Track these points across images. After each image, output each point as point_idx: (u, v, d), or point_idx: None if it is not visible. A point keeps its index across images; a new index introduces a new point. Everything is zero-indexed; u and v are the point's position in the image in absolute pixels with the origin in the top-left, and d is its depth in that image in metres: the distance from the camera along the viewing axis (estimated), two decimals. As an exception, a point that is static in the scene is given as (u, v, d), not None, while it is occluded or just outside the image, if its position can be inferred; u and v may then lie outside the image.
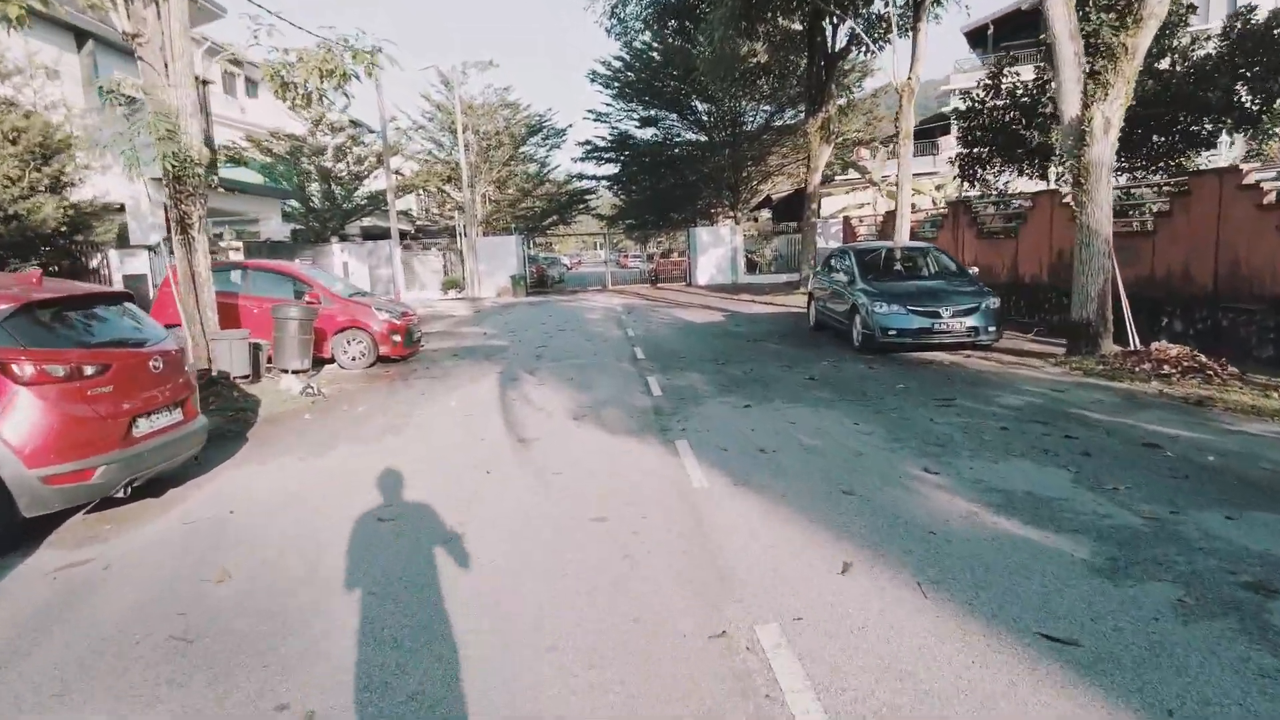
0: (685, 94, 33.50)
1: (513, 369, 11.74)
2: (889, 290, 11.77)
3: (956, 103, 39.49)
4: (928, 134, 42.04)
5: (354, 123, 33.19)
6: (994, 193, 19.34)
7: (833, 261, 14.26)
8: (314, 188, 32.68)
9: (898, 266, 13.30)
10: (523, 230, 39.73)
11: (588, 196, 43.47)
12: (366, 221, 39.56)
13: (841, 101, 22.88)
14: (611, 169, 39.03)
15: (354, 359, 12.69)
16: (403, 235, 41.85)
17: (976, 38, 41.56)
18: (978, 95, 17.08)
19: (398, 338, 12.86)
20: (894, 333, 11.27)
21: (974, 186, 18.78)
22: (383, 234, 39.63)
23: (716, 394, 9.07)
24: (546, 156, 45.79)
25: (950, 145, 38.00)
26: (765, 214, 44.89)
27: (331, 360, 12.78)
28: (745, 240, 32.46)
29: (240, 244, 18.92)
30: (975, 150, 17.64)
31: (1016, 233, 16.81)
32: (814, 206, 23.32)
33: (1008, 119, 16.64)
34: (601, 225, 47.29)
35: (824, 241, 31.61)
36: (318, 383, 10.88)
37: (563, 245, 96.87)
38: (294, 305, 11.48)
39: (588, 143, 35.73)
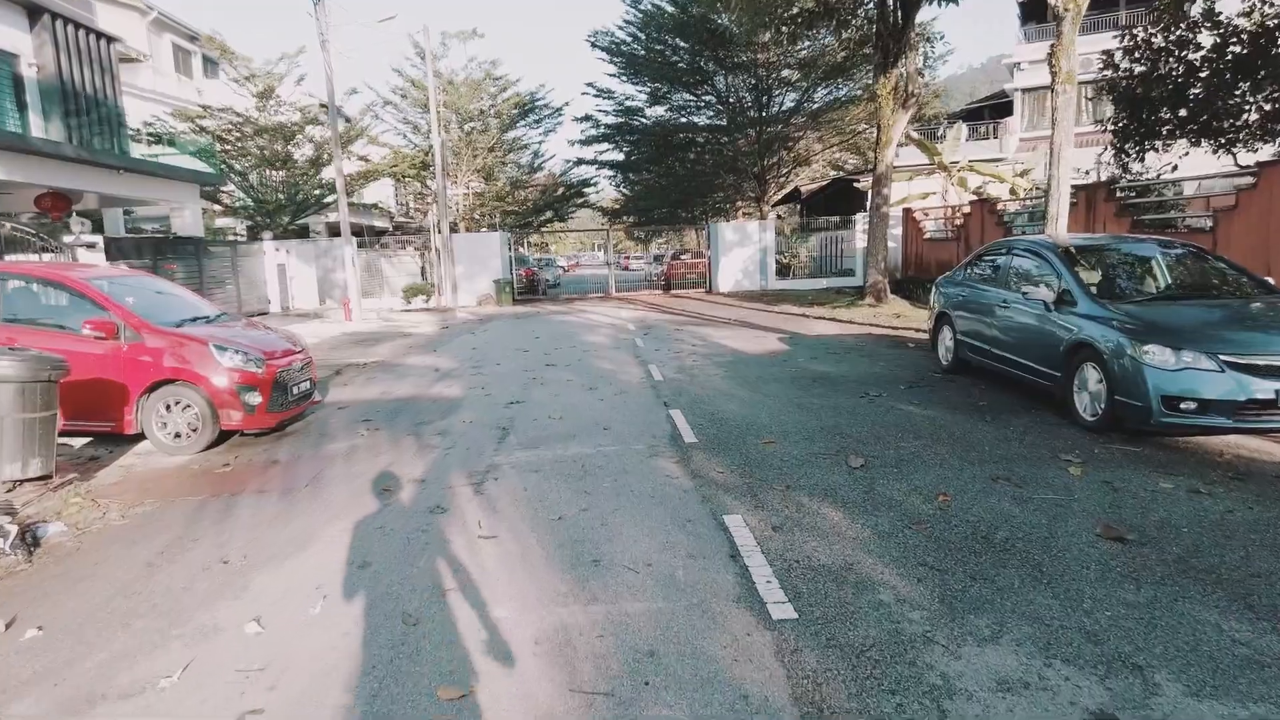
0: (704, 66, 27.97)
1: (443, 475, 6.11)
2: (1167, 323, 6.26)
3: (1023, 79, 34.17)
4: (976, 114, 36.63)
5: (324, 106, 27.78)
6: (1146, 172, 13.93)
7: (996, 264, 8.77)
8: (256, 176, 27.14)
9: (1149, 278, 7.73)
10: (513, 227, 34.21)
11: (587, 188, 37.90)
12: (334, 217, 34.12)
13: (918, 62, 17.41)
14: (615, 155, 33.44)
15: (177, 436, 7.17)
16: (379, 232, 36.56)
17: (1031, 9, 36.01)
18: (1138, 55, 12.12)
19: (254, 397, 7.28)
20: (1193, 406, 5.76)
21: (1136, 162, 13.41)
22: (360, 231, 34.30)
23: (942, 619, 3.56)
24: (541, 142, 40.41)
25: (1016, 127, 32.65)
26: (785, 210, 39.48)
27: (142, 437, 7.28)
28: (776, 238, 27.00)
29: (97, 238, 13.43)
30: (1141, 119, 12.46)
31: (1214, 225, 11.42)
32: (884, 192, 17.85)
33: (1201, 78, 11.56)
34: (603, 221, 41.69)
35: (866, 240, 26.23)
36: (57, 509, 5.39)
37: (559, 245, 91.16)
38: (9, 355, 5.87)
39: (587, 118, 30.07)
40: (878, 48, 17.49)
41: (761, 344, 12.96)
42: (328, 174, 27.96)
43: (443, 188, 24.79)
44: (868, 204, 18.41)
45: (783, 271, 27.19)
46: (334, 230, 32.49)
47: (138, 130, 27.12)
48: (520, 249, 39.03)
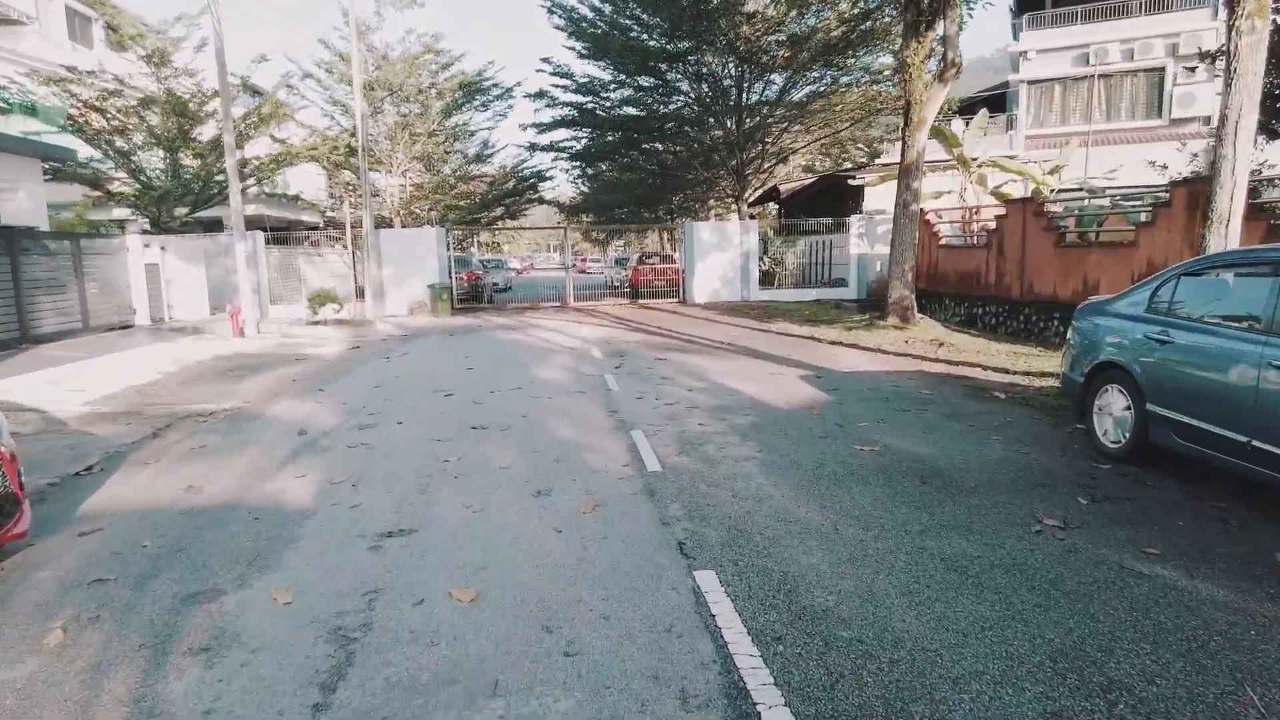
0: (678, 44, 24.20)
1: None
2: None
3: (1030, 70, 31.15)
4: (969, 109, 33.52)
5: (249, 87, 23.25)
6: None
7: (1246, 292, 5.14)
8: (152, 159, 22.55)
9: None
10: (457, 223, 30.01)
11: (542, 182, 33.85)
12: (251, 209, 29.51)
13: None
14: (574, 143, 29.35)
15: None
16: (310, 227, 32.07)
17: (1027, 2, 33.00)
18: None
19: None
20: None
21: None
22: (286, 226, 29.69)
23: None
24: (490, 128, 36.23)
25: (1022, 123, 29.61)
26: (759, 211, 36.07)
27: None
28: (759, 242, 23.37)
29: None
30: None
31: None
32: (914, 186, 14.30)
33: None
34: (560, 219, 37.77)
35: (864, 246, 22.81)
36: None
37: (513, 246, 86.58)
38: None
39: (542, 94, 25.86)
40: (909, 5, 13.92)
41: (785, 388, 9.21)
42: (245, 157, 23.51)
43: (364, 168, 20.63)
44: (895, 200, 14.81)
45: (765, 280, 23.62)
46: (265, 224, 28.00)
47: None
48: (467, 249, 34.90)
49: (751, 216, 28.73)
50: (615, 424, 7.48)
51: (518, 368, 11.40)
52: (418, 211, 31.43)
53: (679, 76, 25.28)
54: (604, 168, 36.02)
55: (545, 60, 25.50)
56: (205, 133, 23.21)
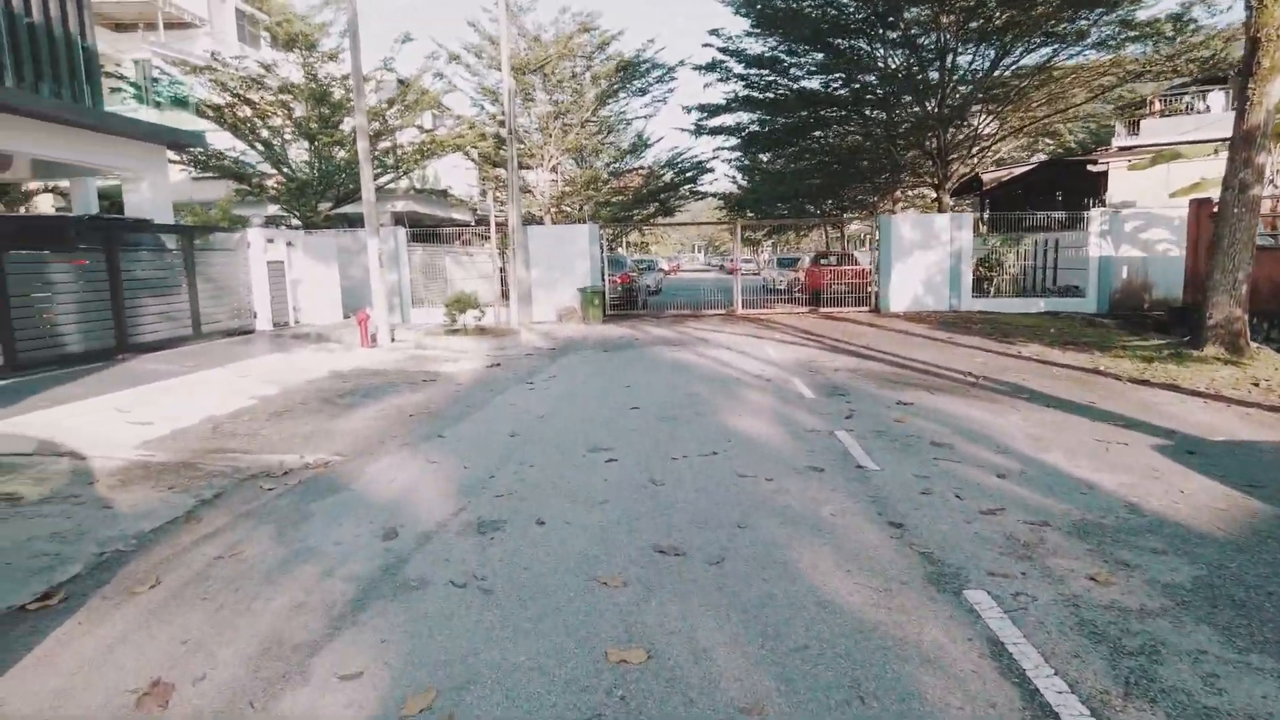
0: (877, 8, 20.30)
1: None
2: None
3: None
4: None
5: (389, 69, 21.60)
6: None
7: None
8: (292, 148, 21.27)
9: None
10: (608, 221, 27.45)
11: (701, 174, 30.72)
12: (400, 205, 28.27)
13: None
14: (747, 124, 25.87)
15: None
16: (460, 225, 30.62)
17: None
18: None
19: None
20: None
21: None
22: (436, 224, 28.26)
23: None
24: (648, 116, 33.52)
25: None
26: (956, 204, 31.42)
27: None
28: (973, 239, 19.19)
29: None
30: None
31: None
32: (1257, 161, 10.03)
33: None
34: (722, 213, 34.47)
35: (1107, 247, 18.07)
36: None
37: (661, 245, 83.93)
38: None
39: (714, 65, 22.52)
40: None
41: (1157, 474, 5.52)
42: (387, 152, 21.87)
43: (512, 155, 18.17)
44: (1225, 182, 10.53)
45: (980, 286, 19.44)
46: (404, 220, 26.62)
47: (136, 84, 21.81)
48: (614, 249, 32.43)
49: (955, 209, 24.44)
50: (917, 565, 4.12)
51: (700, 409, 8.26)
52: (567, 209, 29.18)
53: (872, 44, 21.37)
54: (765, 159, 32.51)
55: (714, 33, 22.27)
56: (350, 123, 21.73)
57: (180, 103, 21.46)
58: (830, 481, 5.56)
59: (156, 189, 13.79)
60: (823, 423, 7.42)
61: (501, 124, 23.67)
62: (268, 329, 14.42)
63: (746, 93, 23.18)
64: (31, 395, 8.48)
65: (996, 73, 20.52)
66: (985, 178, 25.90)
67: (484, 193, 36.32)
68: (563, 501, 5.25)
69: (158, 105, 22.69)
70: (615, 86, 26.85)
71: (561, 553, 4.34)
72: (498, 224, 21.95)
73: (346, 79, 20.99)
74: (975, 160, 22.97)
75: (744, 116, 25.21)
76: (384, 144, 21.67)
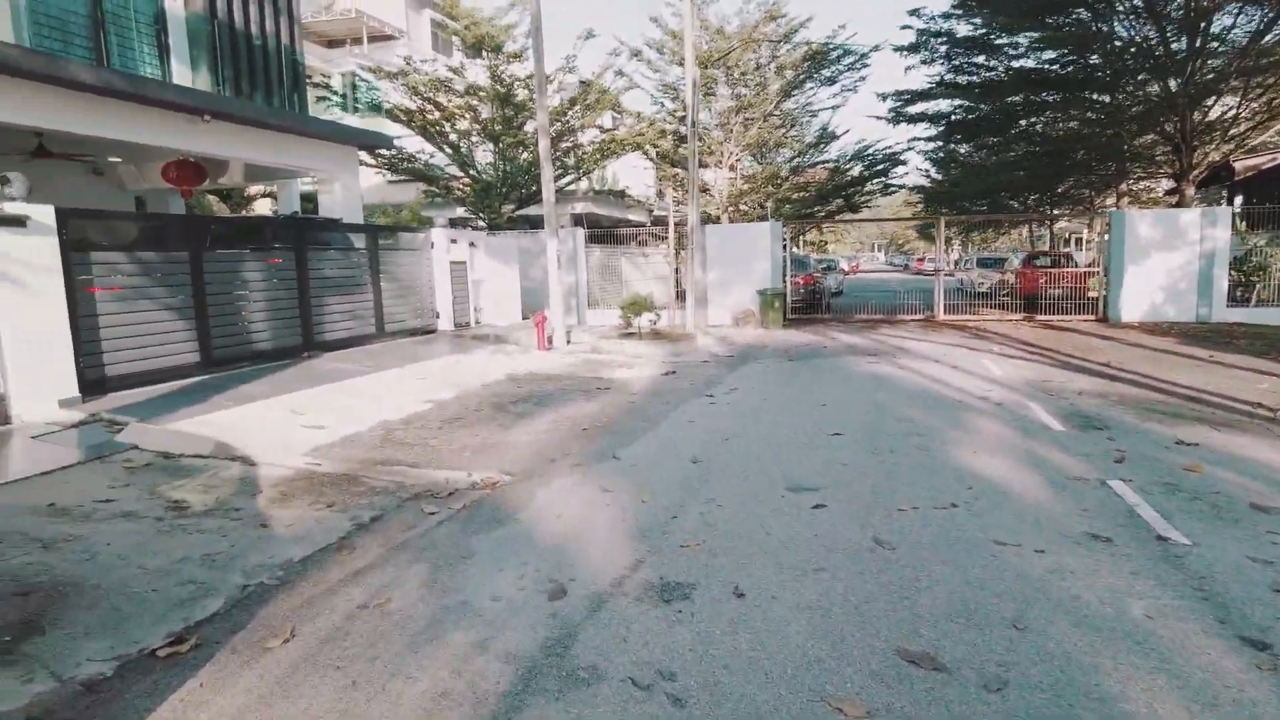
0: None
1: None
2: None
3: None
4: None
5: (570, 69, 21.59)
6: None
7: None
8: (478, 150, 21.60)
9: None
10: (790, 218, 26.04)
11: (894, 166, 28.52)
12: (580, 206, 28.34)
13: None
14: (944, 110, 23.58)
15: None
16: (636, 226, 30.48)
17: None
18: None
19: None
20: None
21: None
22: (613, 225, 28.19)
23: None
24: (835, 105, 31.66)
25: None
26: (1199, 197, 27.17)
27: None
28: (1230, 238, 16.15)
29: (38, 208, 7.27)
30: None
31: None
32: None
33: None
34: (917, 207, 32.00)
35: None
36: None
37: (839, 244, 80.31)
38: None
39: (918, 46, 20.51)
40: None
41: None
42: (569, 152, 21.78)
43: (694, 149, 17.30)
44: None
45: (1237, 292, 16.39)
46: (582, 221, 26.63)
47: (339, 93, 22.89)
48: (793, 247, 30.87)
49: (1200, 203, 21.01)
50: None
51: (920, 439, 6.92)
52: (744, 207, 28.03)
53: (1100, 16, 18.61)
54: (964, 151, 29.74)
55: (914, 13, 20.30)
56: (533, 125, 21.78)
57: (375, 108, 22.39)
58: (1126, 560, 4.13)
59: (348, 190, 14.11)
60: (1087, 467, 5.89)
61: (682, 119, 23.00)
62: (449, 329, 14.42)
63: (952, 76, 20.97)
64: (219, 393, 8.54)
65: (1267, 38, 17.20)
66: (1238, 166, 22.08)
67: (660, 193, 35.95)
68: (764, 563, 4.20)
69: (356, 111, 23.88)
70: (802, 77, 25.38)
71: (772, 647, 3.29)
72: (674, 223, 21.30)
73: (530, 79, 21.04)
74: (1230, 147, 19.51)
75: (944, 104, 22.98)
76: (564, 144, 21.54)
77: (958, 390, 9.27)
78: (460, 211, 24.50)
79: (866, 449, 6.60)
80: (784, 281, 18.51)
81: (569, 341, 14.50)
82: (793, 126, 28.91)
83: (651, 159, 26.71)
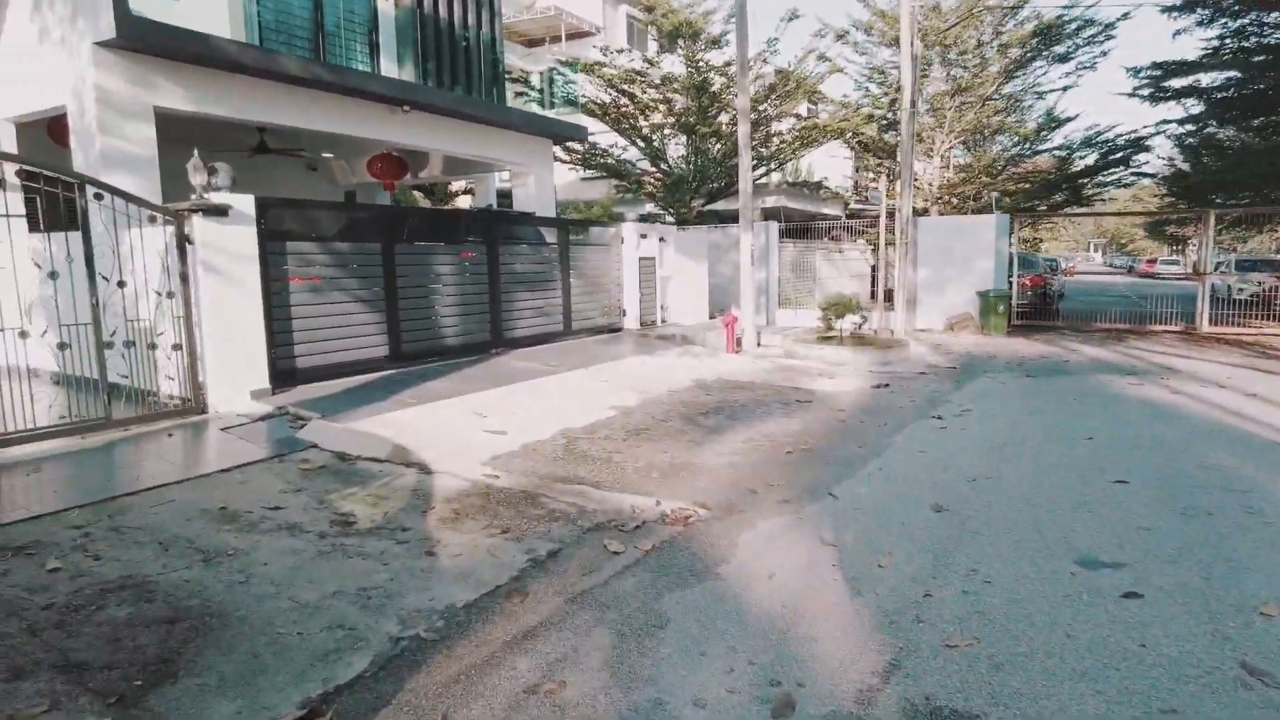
0: None
1: None
2: None
3: None
4: None
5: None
6: None
7: None
8: (670, 143, 20.95)
9: None
10: (1018, 210, 23.36)
11: (1138, 152, 24.84)
12: (771, 201, 27.12)
13: None
14: (1206, 88, 20.02)
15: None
16: (829, 220, 28.92)
17: None
18: None
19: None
20: None
21: None
22: (806, 219, 26.81)
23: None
24: (1067, 85, 28.27)
25: None
26: None
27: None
28: None
29: (241, 197, 7.16)
30: None
31: None
32: None
33: None
34: (1159, 199, 28.05)
35: None
36: None
37: (1054, 243, 72.84)
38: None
39: (1188, 5, 17.29)
40: None
41: None
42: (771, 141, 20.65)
43: (910, 133, 15.57)
44: None
45: None
46: (776, 215, 25.39)
47: (536, 89, 22.98)
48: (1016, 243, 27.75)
49: None
50: None
51: (1237, 499, 5.22)
52: (955, 201, 25.52)
53: None
54: (1225, 135, 25.36)
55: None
56: (727, 117, 20.80)
57: (571, 103, 22.37)
58: None
59: (541, 184, 13.81)
60: None
61: (893, 103, 21.18)
62: (634, 328, 13.77)
63: (1234, 42, 17.66)
64: (404, 389, 8.25)
65: None
66: None
67: (856, 185, 33.85)
68: (1077, 689, 2.92)
69: (553, 106, 24.01)
70: (1029, 55, 22.58)
71: None
72: (873, 218, 19.61)
73: (727, 66, 20.07)
74: None
75: (1211, 76, 19.51)
76: (758, 134, 20.40)
77: (1268, 427, 7.24)
78: (649, 208, 24.05)
79: (1169, 507, 5.02)
80: (1011, 281, 16.32)
81: (759, 344, 13.41)
82: (1014, 111, 25.97)
83: (852, 148, 24.94)
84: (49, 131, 9.40)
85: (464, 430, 7.05)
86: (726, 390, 9.42)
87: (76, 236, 6.35)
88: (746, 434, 7.18)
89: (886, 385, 9.83)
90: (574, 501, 5.25)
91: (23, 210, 7.56)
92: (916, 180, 24.51)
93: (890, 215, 16.76)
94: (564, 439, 6.95)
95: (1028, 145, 26.49)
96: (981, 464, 6.11)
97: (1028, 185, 26.23)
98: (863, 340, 13.73)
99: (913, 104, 15.43)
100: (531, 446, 6.68)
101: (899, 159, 15.83)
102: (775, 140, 20.29)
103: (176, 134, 9.50)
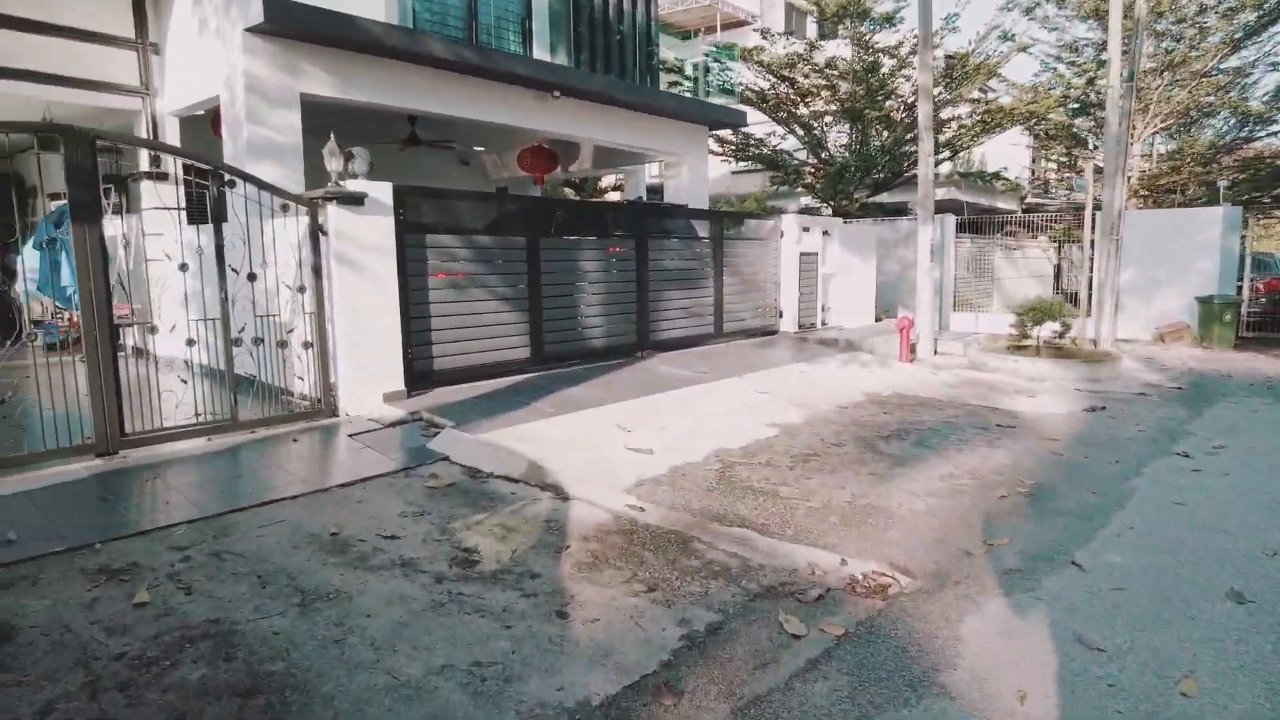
0: None
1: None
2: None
3: None
4: None
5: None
6: None
7: None
8: (831, 131, 19.53)
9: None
10: (1250, 202, 20.26)
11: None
12: (941, 193, 24.95)
13: None
14: None
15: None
16: (1003, 214, 26.50)
17: None
18: None
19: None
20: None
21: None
22: (978, 213, 24.59)
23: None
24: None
25: None
26: None
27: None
28: None
29: (373, 186, 6.61)
30: None
31: None
32: None
33: None
34: None
35: None
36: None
37: (1266, 240, 64.42)
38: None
39: None
40: None
41: None
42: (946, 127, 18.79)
43: (1128, 112, 13.45)
44: None
45: None
46: (961, 209, 23.34)
47: (690, 77, 22.09)
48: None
49: None
50: None
51: None
52: (1152, 194, 22.44)
53: None
54: None
55: None
56: (895, 103, 19.07)
57: (727, 92, 21.30)
58: None
59: (695, 174, 12.88)
60: None
61: (1090, 81, 18.80)
62: (791, 330, 12.56)
63: None
64: (544, 396, 7.56)
65: None
66: None
67: (1034, 175, 30.85)
68: None
69: (707, 95, 23.07)
70: (1265, 19, 19.32)
71: None
72: (1055, 213, 17.51)
73: (898, 47, 18.39)
74: None
75: None
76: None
77: None
78: (804, 201, 22.66)
79: None
80: (1241, 285, 13.84)
81: (936, 352, 11.90)
82: (1234, 88, 22.48)
83: (1036, 135, 22.44)
84: (212, 125, 9.40)
85: (606, 446, 6.22)
86: (907, 408, 8.12)
87: (225, 227, 6.03)
88: (942, 467, 5.93)
89: (1103, 408, 8.19)
90: (735, 551, 4.26)
91: (180, 203, 7.45)
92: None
93: (1079, 209, 14.62)
94: (719, 463, 5.97)
95: (1252, 127, 22.88)
96: (1273, 527, 4.59)
97: (1252, 173, 22.68)
98: (1060, 351, 11.87)
99: (1131, 77, 13.30)
100: (681, 471, 5.75)
101: (1104, 145, 13.70)
102: (952, 125, 18.42)
103: (327, 127, 9.29)
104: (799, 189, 20.83)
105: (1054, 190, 30.54)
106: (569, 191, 25.35)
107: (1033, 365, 10.55)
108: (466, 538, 4.44)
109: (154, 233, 7.85)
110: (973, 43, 18.20)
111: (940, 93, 18.11)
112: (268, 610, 3.52)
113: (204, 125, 9.42)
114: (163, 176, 8.33)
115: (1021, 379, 10.04)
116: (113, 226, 9.62)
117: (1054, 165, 26.10)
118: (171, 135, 9.19)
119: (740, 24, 30.21)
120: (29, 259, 8.08)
